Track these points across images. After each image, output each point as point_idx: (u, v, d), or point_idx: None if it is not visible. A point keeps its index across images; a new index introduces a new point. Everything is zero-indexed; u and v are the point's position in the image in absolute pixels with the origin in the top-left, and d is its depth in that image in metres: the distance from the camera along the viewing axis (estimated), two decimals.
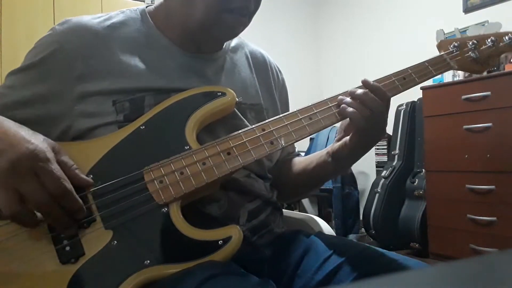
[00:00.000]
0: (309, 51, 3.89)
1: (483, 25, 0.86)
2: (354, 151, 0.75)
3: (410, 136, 2.65)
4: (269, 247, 0.73)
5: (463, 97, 2.09)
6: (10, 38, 2.32)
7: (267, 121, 0.69)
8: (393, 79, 0.75)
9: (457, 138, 2.12)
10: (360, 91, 0.70)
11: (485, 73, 2.26)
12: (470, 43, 0.82)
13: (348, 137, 0.74)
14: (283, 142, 0.67)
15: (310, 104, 0.71)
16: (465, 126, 2.08)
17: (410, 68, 0.78)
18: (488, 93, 1.99)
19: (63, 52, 0.68)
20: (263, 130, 0.67)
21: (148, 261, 0.56)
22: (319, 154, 0.83)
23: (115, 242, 0.57)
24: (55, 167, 0.55)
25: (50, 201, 0.54)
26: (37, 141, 0.56)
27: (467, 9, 2.69)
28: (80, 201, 0.57)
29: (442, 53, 0.83)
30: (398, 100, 2.73)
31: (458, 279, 0.25)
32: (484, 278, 0.25)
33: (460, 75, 2.38)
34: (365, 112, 0.69)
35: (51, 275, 0.55)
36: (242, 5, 0.69)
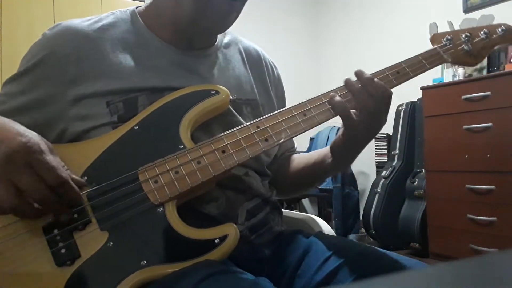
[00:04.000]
0: (309, 52, 3.88)
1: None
2: (349, 144, 0.74)
3: (410, 136, 2.66)
4: (268, 246, 0.73)
5: (463, 97, 2.09)
6: (10, 38, 2.32)
7: (261, 118, 0.69)
8: (387, 73, 0.75)
9: (457, 138, 2.12)
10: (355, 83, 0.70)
11: (485, 73, 2.27)
12: (463, 35, 0.82)
13: (342, 130, 0.73)
14: (278, 139, 0.67)
15: (304, 101, 0.71)
16: (465, 126, 2.08)
17: (403, 62, 0.78)
18: (488, 93, 1.99)
19: (54, 56, 0.68)
20: (258, 127, 0.67)
21: (145, 262, 0.56)
22: (320, 150, 0.83)
23: (111, 243, 0.57)
24: (50, 157, 0.56)
25: (46, 192, 0.54)
26: (31, 134, 0.57)
27: (467, 9, 2.69)
28: (77, 188, 0.57)
29: (435, 46, 0.82)
30: (398, 100, 2.73)
31: (458, 279, 0.25)
32: (484, 278, 0.25)
33: (460, 75, 2.38)
34: (354, 104, 0.69)
35: (48, 278, 0.55)
36: None
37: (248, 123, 0.68)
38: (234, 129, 0.67)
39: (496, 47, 0.83)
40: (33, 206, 0.54)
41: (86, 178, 0.60)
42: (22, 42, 2.28)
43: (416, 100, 2.63)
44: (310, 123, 0.69)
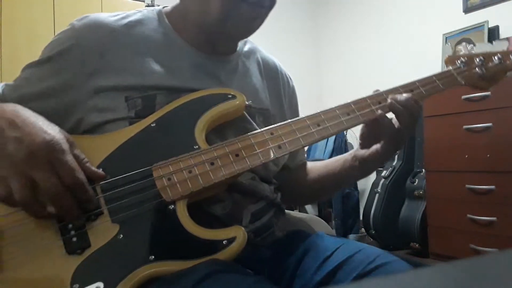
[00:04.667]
0: (309, 51, 3.88)
1: (491, 43, 0.86)
2: (384, 157, 0.78)
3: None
4: (269, 248, 0.74)
5: (463, 97, 2.09)
6: (10, 38, 2.31)
7: (275, 125, 0.70)
8: (401, 91, 0.77)
9: (457, 138, 2.11)
10: (402, 97, 0.74)
11: None
12: (477, 59, 0.84)
13: (379, 145, 0.77)
14: (291, 147, 0.68)
15: (318, 111, 0.72)
16: (465, 126, 2.08)
17: (418, 81, 0.79)
18: (488, 93, 1.98)
19: (79, 47, 0.69)
20: (272, 134, 0.68)
21: (153, 257, 0.57)
22: (343, 159, 0.85)
23: (121, 236, 0.58)
24: (70, 158, 0.57)
25: (62, 191, 0.55)
26: (54, 132, 0.58)
27: (467, 9, 2.69)
28: (92, 192, 0.58)
29: (449, 68, 0.84)
30: None
31: (458, 279, 0.25)
32: (484, 278, 0.25)
33: None
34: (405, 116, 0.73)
35: (57, 264, 0.56)
36: None
37: (262, 129, 0.69)
38: (248, 134, 0.68)
39: (508, 73, 0.84)
40: (42, 205, 0.55)
41: (101, 170, 0.61)
42: (22, 42, 2.28)
43: None
44: (323, 134, 0.70)
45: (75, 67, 0.69)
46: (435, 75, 0.81)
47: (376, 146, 0.78)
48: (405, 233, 2.43)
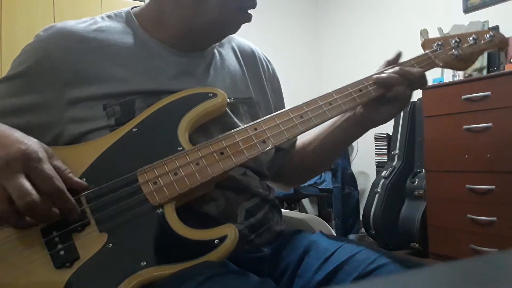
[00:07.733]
0: (309, 51, 3.88)
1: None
2: (390, 117, 0.81)
3: (410, 136, 2.65)
4: (269, 246, 0.74)
5: (463, 97, 2.09)
6: (10, 38, 2.32)
7: (258, 120, 0.70)
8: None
9: (457, 138, 2.12)
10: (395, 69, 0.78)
11: (485, 73, 2.27)
12: (453, 41, 0.85)
13: (386, 106, 0.79)
14: (275, 141, 0.68)
15: (300, 103, 0.72)
16: (465, 126, 2.08)
17: (397, 65, 0.80)
18: (488, 93, 1.99)
19: (49, 59, 0.67)
20: (255, 129, 0.68)
21: (145, 263, 0.55)
22: (337, 123, 0.85)
23: (111, 244, 0.56)
24: (47, 166, 0.55)
25: (35, 199, 0.52)
26: (30, 142, 0.56)
27: (467, 9, 2.69)
28: (73, 200, 0.56)
29: (426, 51, 0.85)
30: None
31: (458, 279, 0.25)
32: (484, 278, 0.25)
33: (460, 75, 2.38)
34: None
35: (46, 280, 0.54)
36: (253, 4, 0.72)
37: (245, 125, 0.69)
38: (232, 131, 0.67)
39: (485, 52, 0.87)
40: (19, 215, 0.53)
41: (84, 179, 0.60)
42: (22, 42, 2.27)
43: (416, 100, 2.63)
44: (307, 126, 0.70)
45: (48, 80, 0.67)
46: (413, 59, 0.82)
47: (384, 108, 0.80)
48: (405, 233, 2.44)
